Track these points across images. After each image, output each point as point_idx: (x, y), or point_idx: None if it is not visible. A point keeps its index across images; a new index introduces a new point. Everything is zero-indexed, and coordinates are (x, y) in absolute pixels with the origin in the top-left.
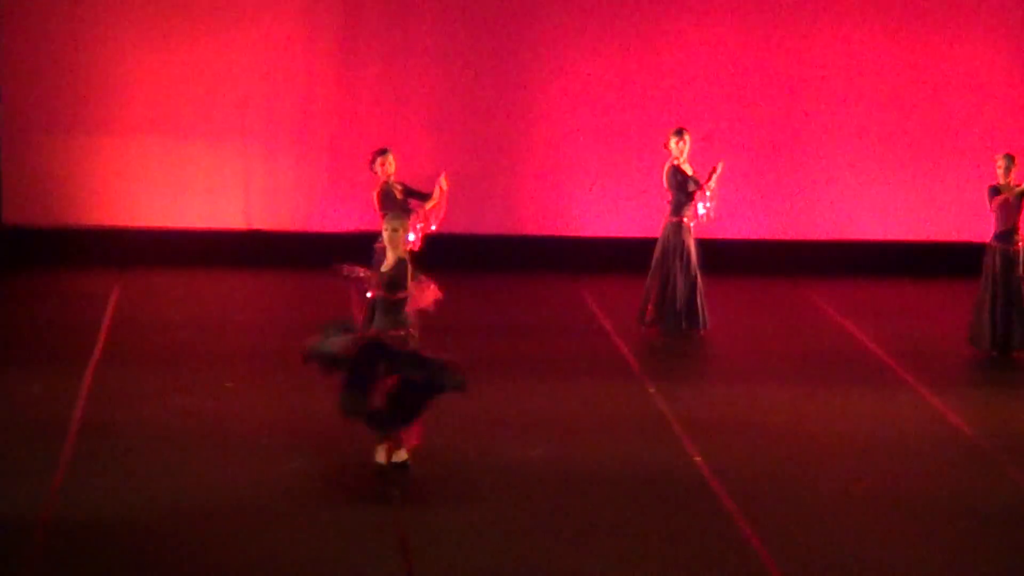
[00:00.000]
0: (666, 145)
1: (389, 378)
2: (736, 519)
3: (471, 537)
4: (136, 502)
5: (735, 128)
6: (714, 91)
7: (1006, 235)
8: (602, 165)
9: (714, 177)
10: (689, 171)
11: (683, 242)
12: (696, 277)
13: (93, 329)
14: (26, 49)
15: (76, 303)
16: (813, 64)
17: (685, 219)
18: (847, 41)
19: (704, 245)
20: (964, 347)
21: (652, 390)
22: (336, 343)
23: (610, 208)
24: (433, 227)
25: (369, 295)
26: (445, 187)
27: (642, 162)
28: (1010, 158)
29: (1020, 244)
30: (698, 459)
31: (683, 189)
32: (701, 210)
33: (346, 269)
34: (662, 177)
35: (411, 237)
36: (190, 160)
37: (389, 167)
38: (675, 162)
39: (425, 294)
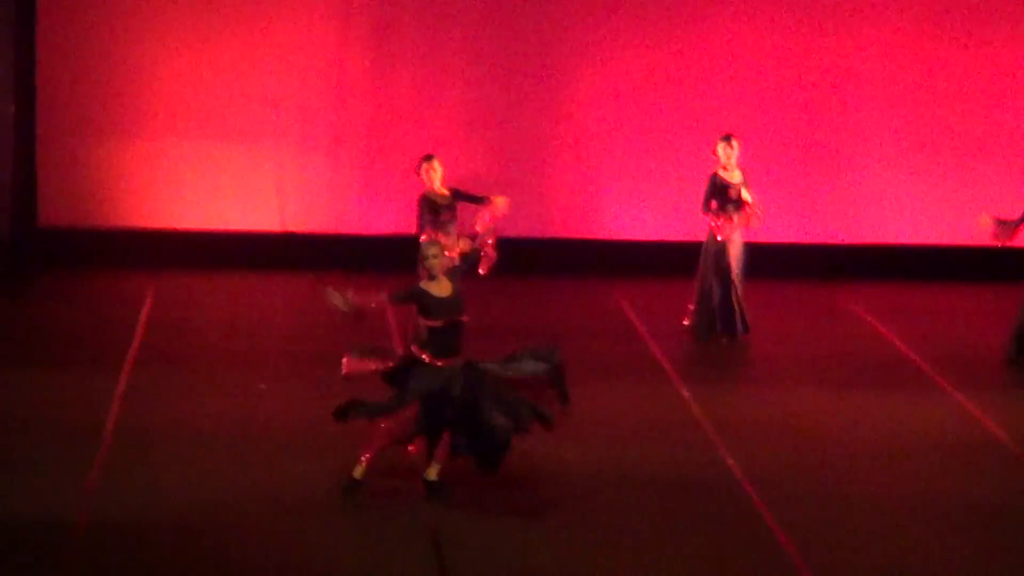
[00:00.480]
0: (714, 151)
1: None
2: (769, 523)
3: (505, 539)
4: (170, 503)
5: (771, 131)
6: (749, 94)
7: None
8: (636, 167)
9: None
10: (737, 177)
11: (720, 248)
12: (732, 282)
13: (128, 331)
14: (62, 52)
15: (111, 305)
16: (851, 67)
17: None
18: (885, 43)
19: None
20: (1000, 352)
21: (687, 394)
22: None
23: (644, 211)
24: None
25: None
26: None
27: (676, 164)
28: None
29: None
30: (732, 462)
31: (724, 196)
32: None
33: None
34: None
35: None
36: (224, 162)
37: (433, 174)
38: (716, 170)
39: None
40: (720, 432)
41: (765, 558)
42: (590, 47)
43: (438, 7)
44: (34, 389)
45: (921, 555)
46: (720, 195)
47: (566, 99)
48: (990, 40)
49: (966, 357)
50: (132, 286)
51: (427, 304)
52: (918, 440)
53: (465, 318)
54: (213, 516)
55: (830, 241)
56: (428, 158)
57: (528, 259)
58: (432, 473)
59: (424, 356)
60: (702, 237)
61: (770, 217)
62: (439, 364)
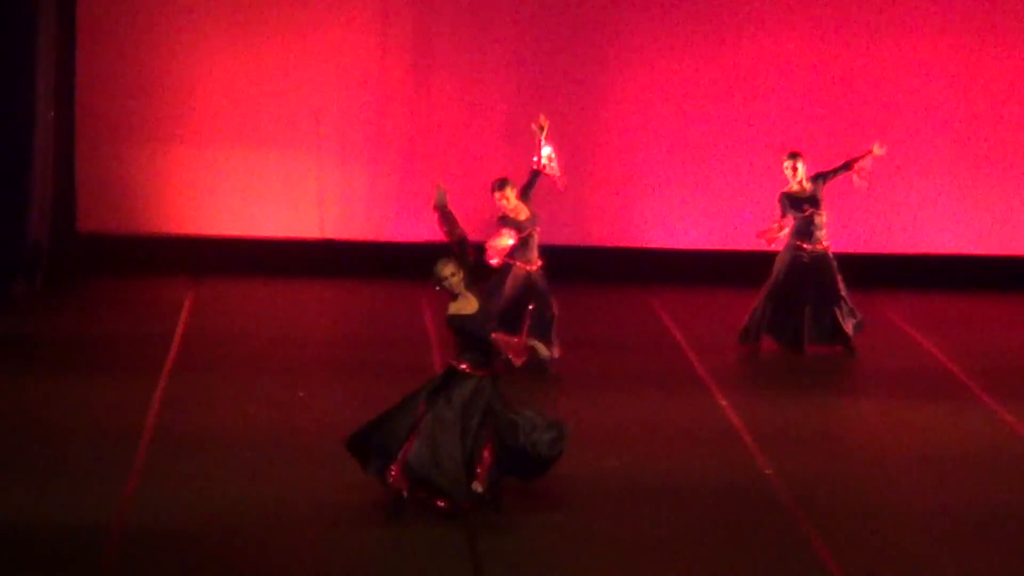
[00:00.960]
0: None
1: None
2: (807, 532)
3: (543, 548)
4: (208, 510)
5: (807, 139)
6: (788, 104)
7: None
8: (674, 176)
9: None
10: (809, 188)
11: (793, 263)
12: (806, 298)
13: (167, 337)
14: (103, 58)
15: (150, 311)
16: (887, 76)
17: (803, 244)
18: (922, 52)
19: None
20: None
21: (724, 402)
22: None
23: (681, 219)
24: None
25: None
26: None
27: (715, 173)
28: None
29: None
30: (769, 472)
31: (798, 210)
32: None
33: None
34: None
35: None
36: (264, 169)
37: (505, 202)
38: (785, 189)
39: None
40: (758, 442)
41: (802, 568)
42: (630, 56)
43: (477, 16)
44: (72, 395)
45: (958, 565)
46: (795, 209)
47: (605, 108)
48: None
49: (1005, 367)
50: (171, 292)
51: (462, 326)
52: (956, 451)
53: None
54: (251, 524)
55: (868, 250)
56: (500, 186)
57: (567, 267)
58: (479, 485)
59: (463, 366)
60: (739, 246)
61: None
62: (479, 374)
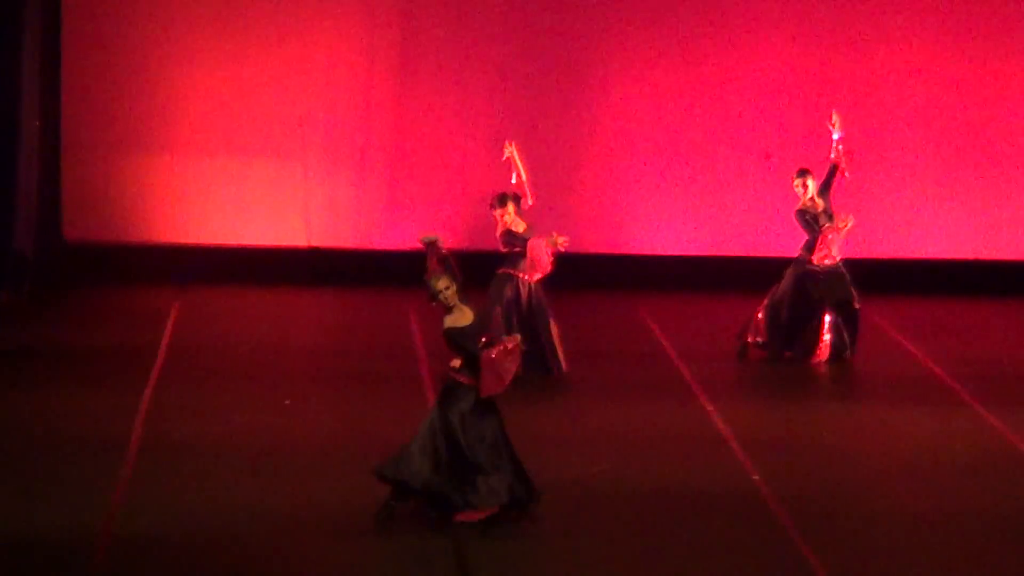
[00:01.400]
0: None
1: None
2: (794, 538)
3: (531, 555)
4: (195, 519)
5: (793, 146)
6: (776, 111)
7: None
8: (662, 183)
9: (843, 230)
10: (821, 205)
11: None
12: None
13: (153, 346)
14: (88, 67)
15: (136, 320)
16: (874, 82)
17: (813, 257)
18: (908, 58)
19: (765, 263)
20: None
21: (711, 408)
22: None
23: (668, 225)
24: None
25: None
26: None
27: (701, 179)
28: None
29: None
30: (756, 478)
31: (811, 228)
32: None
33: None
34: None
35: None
36: (250, 178)
37: (508, 218)
38: (799, 206)
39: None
40: (745, 448)
41: (790, 574)
42: (615, 64)
43: (464, 23)
44: (59, 405)
45: (948, 573)
46: (812, 225)
47: (592, 115)
48: (1015, 58)
49: (993, 373)
50: (157, 301)
51: (459, 339)
52: (945, 457)
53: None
54: (237, 533)
55: (855, 256)
56: (502, 202)
57: (554, 273)
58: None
59: (462, 379)
60: (727, 252)
61: (795, 232)
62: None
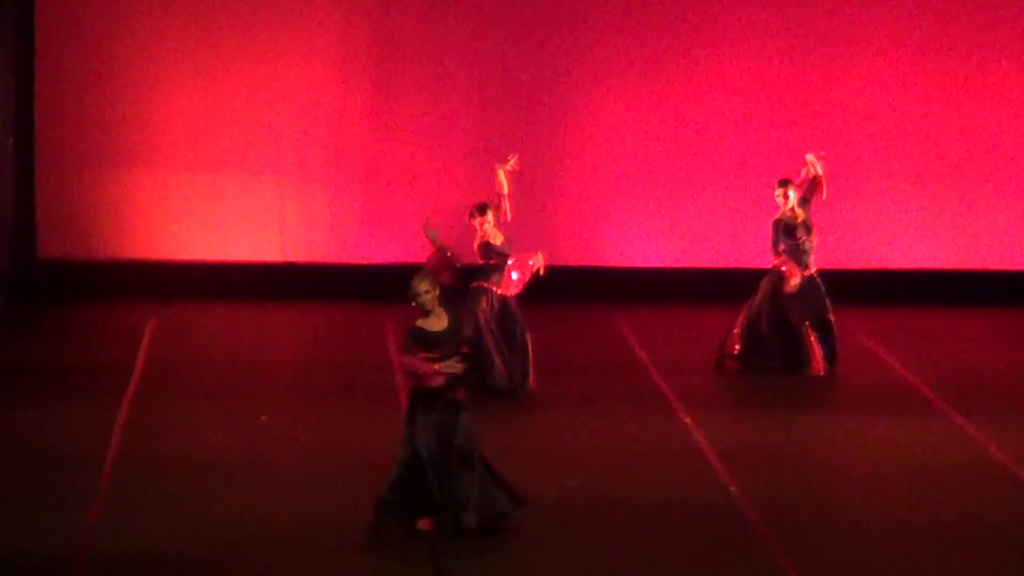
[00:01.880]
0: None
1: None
2: (772, 549)
3: (508, 569)
4: (172, 536)
5: (770, 159)
6: (749, 123)
7: None
8: (638, 195)
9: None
10: (801, 216)
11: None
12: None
13: (129, 362)
14: (62, 84)
15: (112, 337)
16: (852, 98)
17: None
18: (884, 72)
19: (741, 275)
20: (1002, 375)
21: (688, 420)
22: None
23: (646, 238)
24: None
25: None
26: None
27: (678, 192)
28: None
29: None
30: (733, 489)
31: (792, 237)
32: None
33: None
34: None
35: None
36: (225, 193)
37: (487, 227)
38: (777, 215)
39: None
40: (723, 459)
41: None
42: (594, 77)
43: (439, 38)
44: (35, 422)
45: None
46: (789, 236)
47: (568, 129)
48: (988, 70)
49: (967, 382)
50: (133, 317)
51: (428, 340)
52: (922, 466)
53: (465, 349)
54: (215, 548)
55: (831, 266)
56: (482, 211)
57: (532, 286)
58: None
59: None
60: (704, 264)
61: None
62: (447, 396)
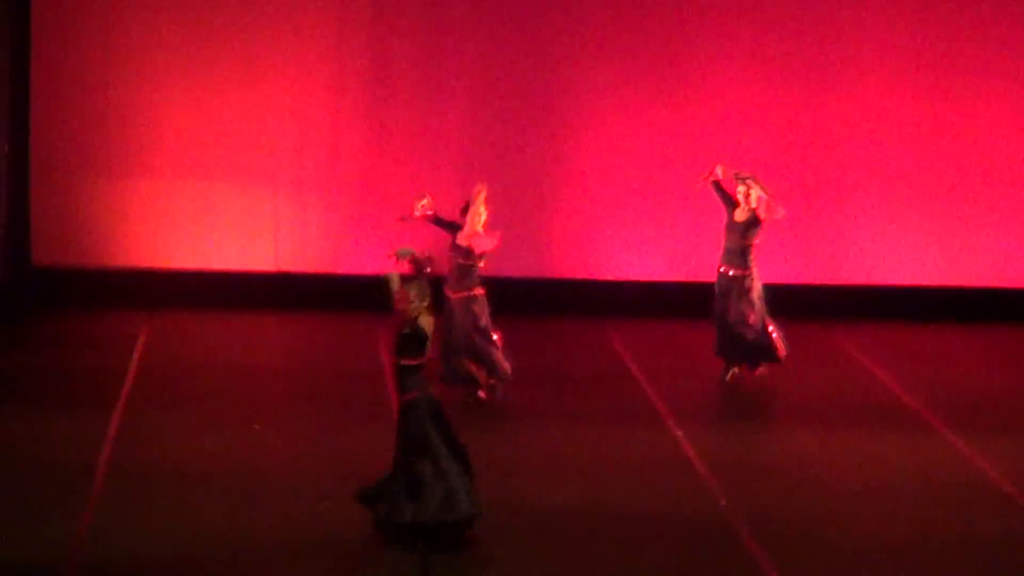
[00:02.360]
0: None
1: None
2: (761, 563)
3: None
4: (164, 544)
5: (764, 175)
6: (744, 139)
7: None
8: (631, 208)
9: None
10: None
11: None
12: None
13: (121, 371)
14: (57, 92)
15: (105, 345)
16: (839, 114)
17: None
18: (877, 90)
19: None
20: (992, 392)
21: (679, 434)
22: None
23: (638, 251)
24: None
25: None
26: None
27: (671, 205)
28: None
29: None
30: (723, 503)
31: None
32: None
33: None
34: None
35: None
36: (219, 203)
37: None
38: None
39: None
40: (712, 472)
41: None
42: (588, 90)
43: (434, 49)
44: (27, 430)
45: None
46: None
47: (563, 142)
48: (982, 88)
49: (960, 399)
50: (126, 326)
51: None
52: (910, 482)
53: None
54: (206, 557)
55: (824, 282)
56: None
57: (524, 299)
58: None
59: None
60: (696, 278)
61: (765, 259)
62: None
